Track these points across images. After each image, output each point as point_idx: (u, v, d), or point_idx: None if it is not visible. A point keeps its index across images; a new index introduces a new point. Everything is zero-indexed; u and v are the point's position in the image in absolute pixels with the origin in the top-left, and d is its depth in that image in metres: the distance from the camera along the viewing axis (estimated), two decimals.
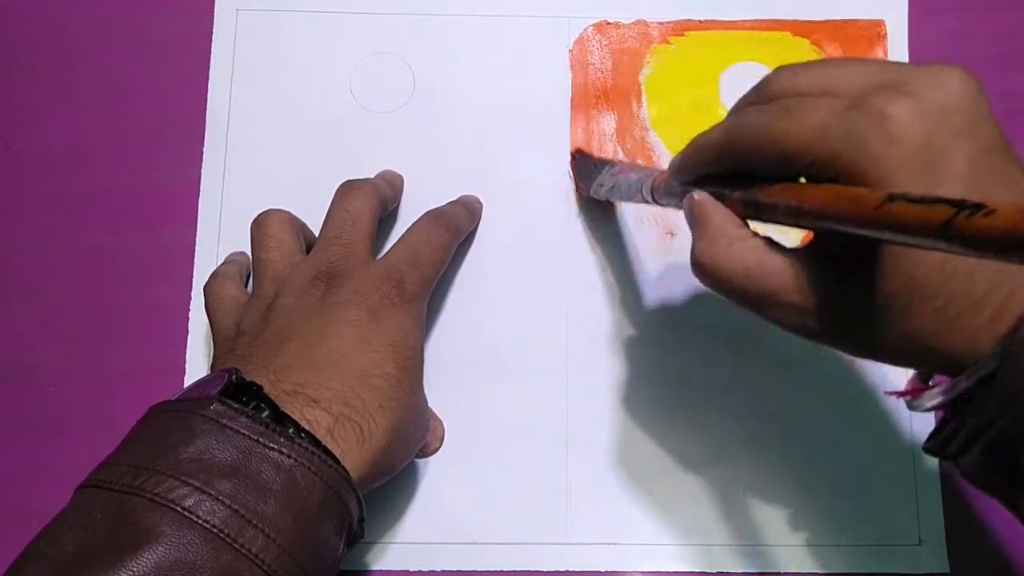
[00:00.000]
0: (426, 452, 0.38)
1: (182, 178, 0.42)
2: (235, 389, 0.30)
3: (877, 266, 0.25)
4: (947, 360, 0.25)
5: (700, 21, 0.44)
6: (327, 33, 0.44)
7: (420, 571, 0.38)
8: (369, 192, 0.37)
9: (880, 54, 0.44)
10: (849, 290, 0.26)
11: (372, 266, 0.35)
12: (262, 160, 0.42)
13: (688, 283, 0.41)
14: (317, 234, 0.37)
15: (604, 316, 0.40)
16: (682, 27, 0.43)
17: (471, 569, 0.38)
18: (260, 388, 0.30)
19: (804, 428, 0.39)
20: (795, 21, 0.44)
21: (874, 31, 0.44)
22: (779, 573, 0.38)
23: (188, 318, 0.40)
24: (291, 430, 0.29)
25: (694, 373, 0.40)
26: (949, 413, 0.26)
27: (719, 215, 0.28)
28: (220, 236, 0.41)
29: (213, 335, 0.36)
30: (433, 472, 0.39)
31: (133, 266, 0.41)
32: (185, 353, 0.40)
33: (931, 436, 0.27)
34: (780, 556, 0.38)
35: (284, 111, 0.43)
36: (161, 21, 0.44)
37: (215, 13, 0.43)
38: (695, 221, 0.29)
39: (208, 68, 0.43)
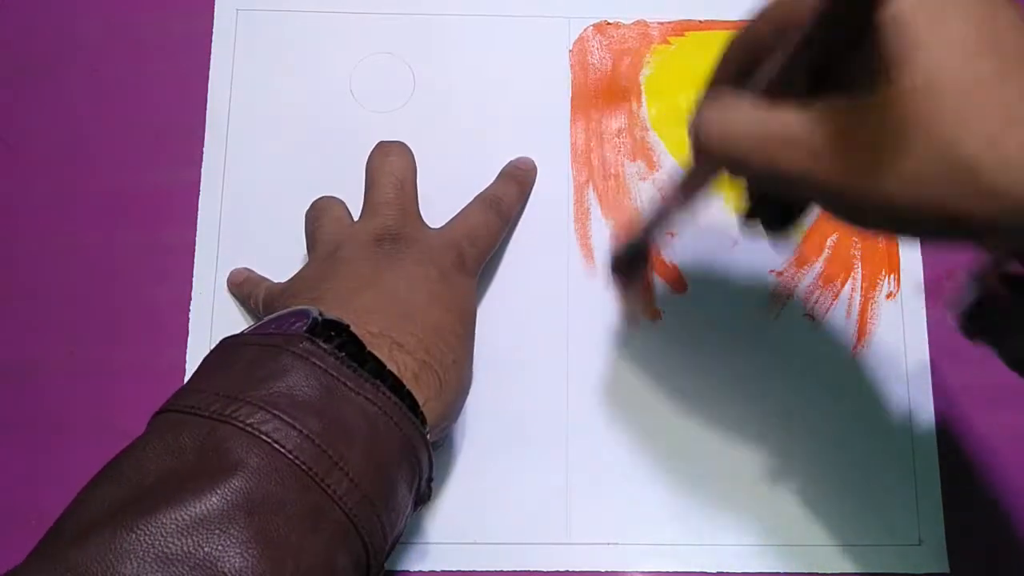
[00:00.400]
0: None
1: (182, 178, 0.42)
2: (321, 327, 0.29)
3: (892, 65, 0.22)
4: (988, 195, 0.20)
5: (700, 21, 0.44)
6: (327, 33, 0.44)
7: (420, 571, 0.38)
8: (405, 152, 0.38)
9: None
10: (860, 113, 0.22)
11: (435, 233, 0.36)
12: (262, 160, 0.42)
13: (688, 283, 0.41)
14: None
15: (605, 316, 0.40)
16: (682, 27, 0.43)
17: (471, 569, 0.38)
18: (347, 327, 0.29)
19: (804, 428, 0.39)
20: None
21: None
22: (779, 573, 0.38)
23: (188, 318, 0.40)
24: (375, 377, 0.28)
25: (694, 373, 0.40)
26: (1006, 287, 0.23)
27: (717, 93, 0.26)
28: (220, 236, 0.41)
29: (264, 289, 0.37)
30: (433, 472, 0.39)
31: (133, 266, 0.41)
32: (185, 353, 0.40)
33: (971, 315, 0.25)
34: (780, 556, 0.38)
35: (284, 111, 0.43)
36: (161, 21, 0.44)
37: (215, 13, 0.43)
38: (698, 109, 0.26)
39: (208, 68, 0.43)
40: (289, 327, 0.29)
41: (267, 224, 0.41)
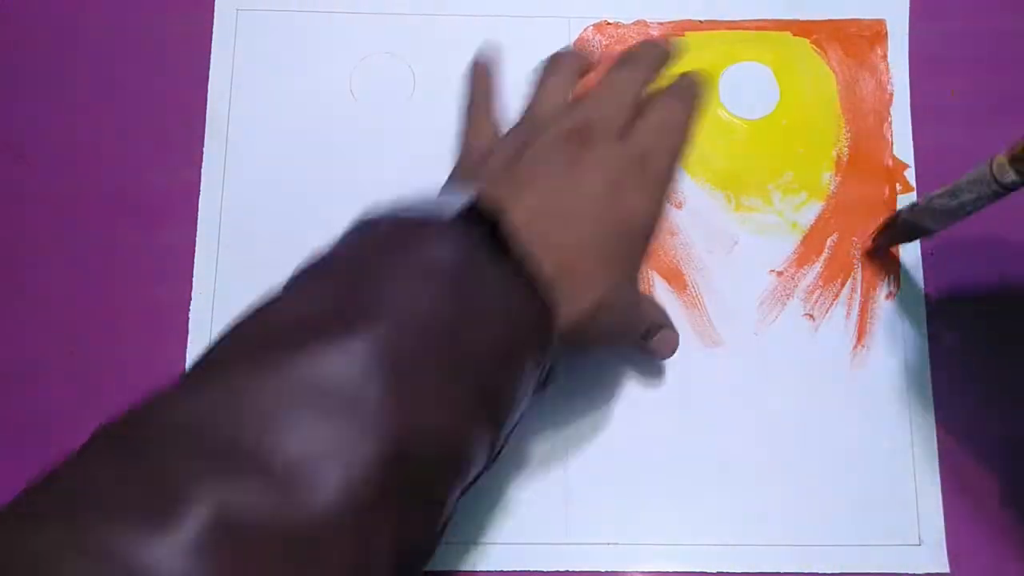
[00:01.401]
0: (655, 352, 0.38)
1: (182, 178, 0.42)
2: (475, 209, 0.30)
3: None
4: None
5: (700, 21, 0.44)
6: (327, 33, 0.44)
7: None
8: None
9: (880, 54, 0.44)
10: None
11: (621, 143, 0.33)
12: (262, 160, 0.42)
13: (689, 282, 0.41)
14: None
15: None
16: (682, 27, 0.43)
17: (471, 569, 0.38)
18: (502, 213, 0.30)
19: (804, 428, 0.39)
20: (795, 21, 0.44)
21: (875, 31, 0.44)
22: (779, 573, 0.38)
23: (188, 318, 0.40)
24: (515, 272, 0.29)
25: (694, 373, 0.40)
26: None
27: None
28: (220, 236, 0.41)
29: (460, 149, 0.37)
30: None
31: (133, 266, 0.41)
32: (185, 353, 0.40)
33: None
34: (780, 556, 0.38)
35: (284, 111, 0.43)
36: (161, 21, 0.44)
37: (215, 13, 0.43)
38: None
39: (208, 68, 0.43)
40: (446, 207, 0.30)
41: (267, 224, 0.41)
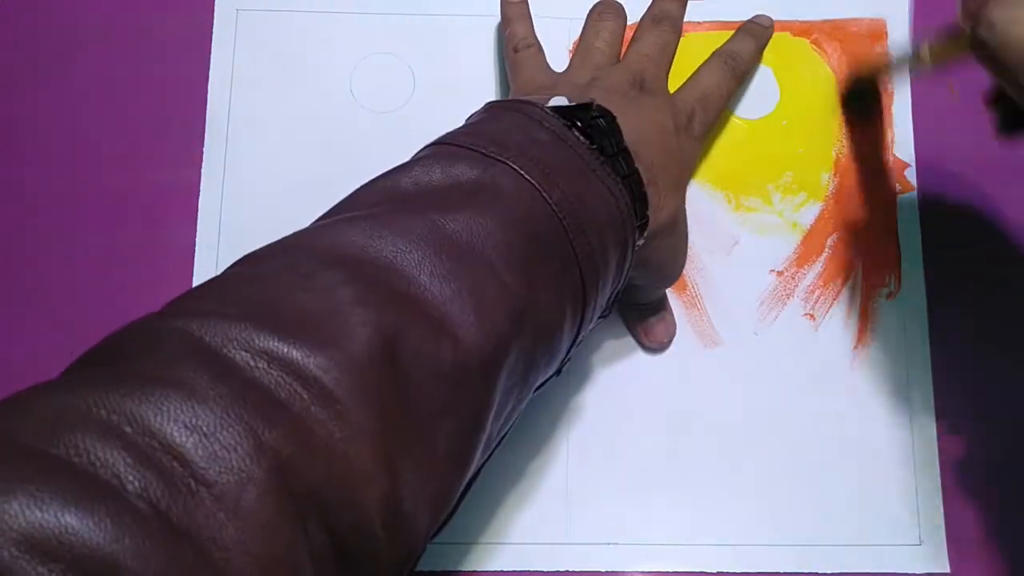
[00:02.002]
0: (652, 332, 0.40)
1: (182, 178, 0.42)
2: (583, 113, 0.32)
3: None
4: None
5: (700, 21, 0.44)
6: (327, 33, 0.43)
7: (420, 571, 0.38)
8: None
9: (880, 53, 0.43)
10: None
11: (673, 94, 0.38)
12: (262, 160, 0.42)
13: (689, 283, 0.41)
14: None
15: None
16: (684, 27, 0.43)
17: (471, 569, 0.38)
18: (614, 118, 0.32)
19: (804, 428, 0.39)
20: (795, 21, 0.44)
21: (875, 30, 0.44)
22: (779, 573, 0.38)
23: None
24: (617, 163, 0.32)
25: (694, 373, 0.40)
26: None
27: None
28: (220, 236, 0.41)
29: (514, 83, 0.39)
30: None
31: (133, 266, 0.41)
32: None
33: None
34: (780, 556, 0.38)
35: (284, 111, 0.43)
36: (161, 21, 0.44)
37: (215, 13, 0.43)
38: None
39: (208, 68, 0.43)
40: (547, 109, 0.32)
41: (267, 224, 0.41)
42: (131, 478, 0.19)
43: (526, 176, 0.29)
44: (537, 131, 0.31)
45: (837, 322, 0.41)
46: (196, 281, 0.40)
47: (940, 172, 0.42)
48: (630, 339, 0.40)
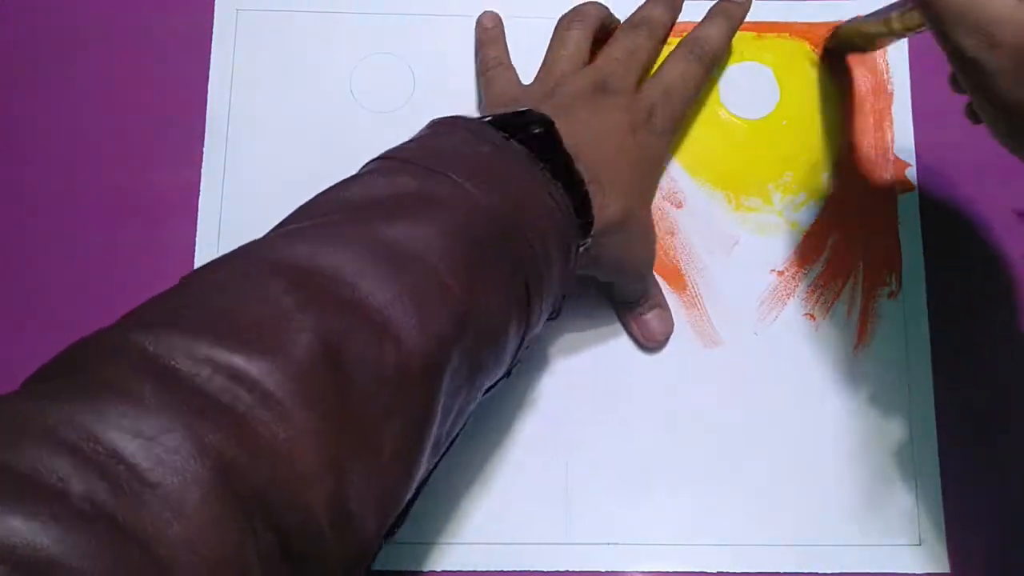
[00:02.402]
0: (648, 327, 0.40)
1: (182, 178, 0.42)
2: (531, 126, 0.33)
3: None
4: None
5: (700, 22, 0.44)
6: (327, 33, 0.43)
7: (420, 571, 0.38)
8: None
9: (880, 53, 0.43)
10: None
11: (635, 95, 0.38)
12: (262, 160, 0.42)
13: (689, 282, 0.41)
14: None
15: (605, 316, 0.40)
16: (682, 27, 0.43)
17: (471, 569, 0.38)
18: (551, 123, 0.33)
19: (804, 428, 0.39)
20: (794, 23, 0.44)
21: None
22: (779, 573, 0.38)
23: None
24: (558, 167, 0.32)
25: (694, 373, 0.40)
26: None
27: None
28: (220, 236, 0.41)
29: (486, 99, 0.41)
30: (433, 472, 0.39)
31: (133, 266, 0.41)
32: None
33: None
34: (780, 556, 0.38)
35: (284, 111, 0.43)
36: (161, 21, 0.44)
37: (215, 13, 0.43)
38: None
39: (208, 68, 0.43)
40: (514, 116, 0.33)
41: (267, 224, 0.41)
42: (75, 482, 0.20)
43: (465, 185, 0.29)
44: (476, 143, 0.32)
45: (837, 322, 0.41)
46: None
47: (940, 172, 0.42)
48: (629, 339, 0.40)
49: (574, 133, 0.33)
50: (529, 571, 0.38)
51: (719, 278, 0.41)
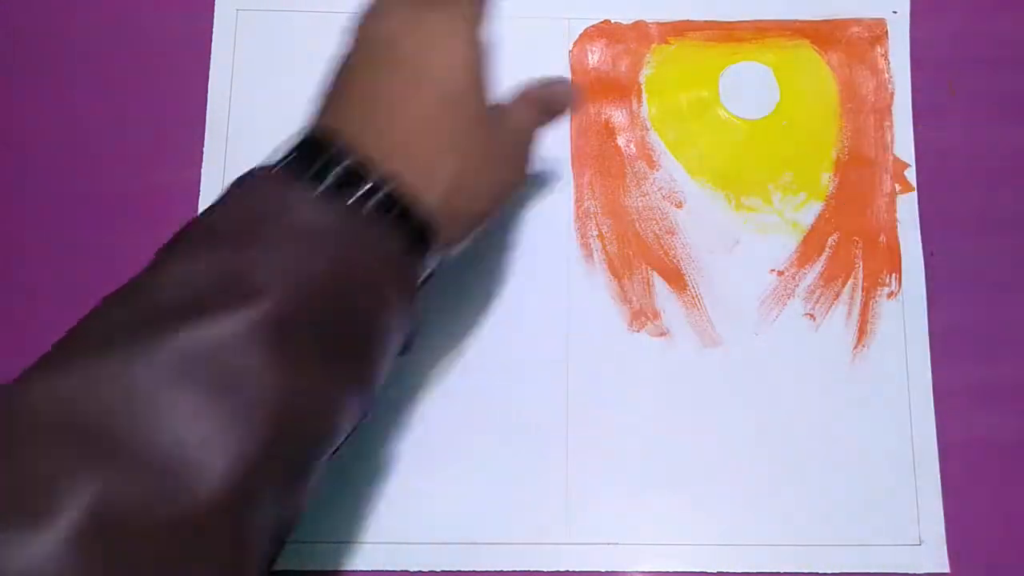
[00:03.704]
0: (552, 104, 0.36)
1: (182, 178, 0.42)
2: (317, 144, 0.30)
3: None
4: None
5: (700, 21, 0.44)
6: (327, 33, 0.43)
7: (420, 571, 0.38)
8: None
9: (881, 53, 0.44)
10: None
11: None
12: (262, 160, 0.42)
13: (689, 282, 0.41)
14: None
15: (605, 316, 0.40)
16: (682, 27, 0.43)
17: (471, 569, 0.38)
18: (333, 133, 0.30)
19: (804, 428, 0.39)
20: (795, 21, 0.44)
21: (875, 31, 0.44)
22: (779, 573, 0.38)
23: None
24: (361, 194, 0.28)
25: (694, 373, 0.40)
26: None
27: None
28: None
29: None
30: (433, 472, 0.39)
31: (133, 266, 0.41)
32: None
33: None
34: (780, 556, 0.38)
35: (284, 111, 0.42)
36: (161, 21, 0.44)
37: (215, 13, 0.43)
38: None
39: (208, 68, 0.43)
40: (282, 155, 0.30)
41: None
42: None
43: (276, 258, 0.26)
44: (286, 200, 0.28)
45: (837, 322, 0.41)
46: None
47: (940, 172, 0.42)
48: (629, 339, 0.40)
49: (376, 128, 0.30)
50: (529, 571, 0.38)
51: (719, 278, 0.41)
